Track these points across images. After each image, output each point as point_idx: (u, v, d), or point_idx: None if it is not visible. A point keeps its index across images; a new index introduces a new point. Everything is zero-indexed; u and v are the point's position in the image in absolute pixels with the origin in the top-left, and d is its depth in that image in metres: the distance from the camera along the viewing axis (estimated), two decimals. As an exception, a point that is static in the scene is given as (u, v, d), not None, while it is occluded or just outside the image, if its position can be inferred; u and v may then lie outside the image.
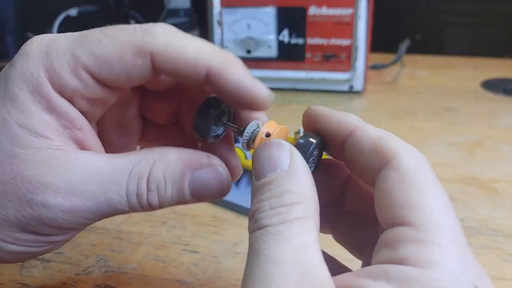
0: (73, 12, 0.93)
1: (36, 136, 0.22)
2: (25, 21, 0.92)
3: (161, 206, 0.24)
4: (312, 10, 0.68)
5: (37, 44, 0.23)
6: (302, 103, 0.68)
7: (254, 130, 0.24)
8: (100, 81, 0.23)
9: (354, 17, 0.66)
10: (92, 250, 0.36)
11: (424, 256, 0.18)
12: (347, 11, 0.66)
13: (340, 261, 0.25)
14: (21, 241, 0.23)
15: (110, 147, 0.29)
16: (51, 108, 0.22)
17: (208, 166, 0.24)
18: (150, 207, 0.24)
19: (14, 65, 0.23)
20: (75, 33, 0.23)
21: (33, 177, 0.22)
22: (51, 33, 0.24)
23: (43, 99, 0.22)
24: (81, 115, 0.24)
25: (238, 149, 0.41)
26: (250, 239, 0.20)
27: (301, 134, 0.23)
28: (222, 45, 0.71)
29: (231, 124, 0.25)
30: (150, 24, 0.23)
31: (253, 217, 0.20)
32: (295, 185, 0.20)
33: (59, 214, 0.22)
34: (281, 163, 0.21)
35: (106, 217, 0.24)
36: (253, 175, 0.21)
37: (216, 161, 0.24)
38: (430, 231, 0.18)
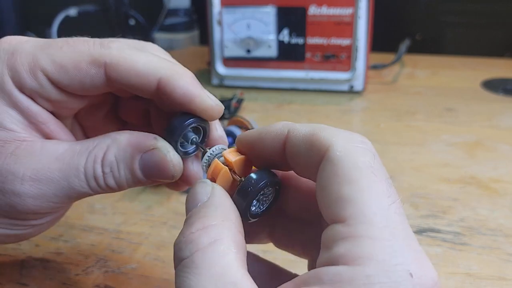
0: (73, 12, 0.93)
1: (2, 130, 0.24)
2: (25, 21, 0.92)
3: (120, 187, 0.25)
4: (312, 10, 0.68)
5: (5, 45, 0.25)
6: (302, 103, 0.68)
7: (216, 154, 0.25)
8: (56, 85, 0.24)
9: (354, 17, 0.66)
10: (92, 250, 0.36)
11: (356, 253, 0.17)
12: (347, 11, 0.66)
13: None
14: (1, 224, 0.25)
15: None
16: (13, 103, 0.24)
17: (155, 149, 0.25)
18: (110, 189, 0.25)
19: None
20: (43, 39, 0.26)
21: (2, 167, 0.24)
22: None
23: (6, 95, 0.24)
24: (44, 110, 0.25)
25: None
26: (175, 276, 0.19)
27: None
28: (222, 45, 0.71)
29: (200, 144, 0.26)
30: (109, 39, 0.25)
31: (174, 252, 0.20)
32: (210, 210, 0.20)
33: (29, 200, 0.24)
34: (201, 197, 0.21)
35: (74, 200, 0.26)
36: None
37: (161, 143, 0.25)
38: (361, 224, 0.17)
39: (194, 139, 0.26)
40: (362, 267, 0.16)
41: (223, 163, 0.24)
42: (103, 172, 0.24)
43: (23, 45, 0.25)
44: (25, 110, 0.24)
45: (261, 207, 0.23)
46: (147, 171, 0.25)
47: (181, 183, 0.27)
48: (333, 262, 0.17)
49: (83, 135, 0.30)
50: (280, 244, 0.26)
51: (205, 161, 0.25)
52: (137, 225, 0.39)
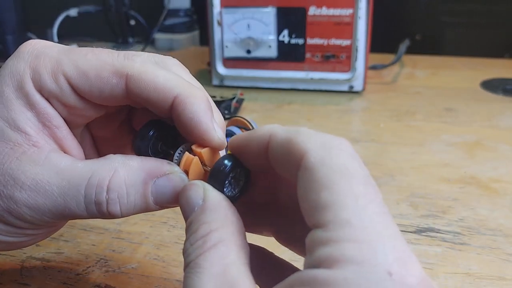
0: (73, 12, 0.93)
1: (16, 131, 0.24)
2: (25, 21, 0.92)
3: (124, 214, 0.24)
4: (312, 10, 0.68)
5: (30, 47, 0.25)
6: (302, 103, 0.68)
7: (183, 152, 0.25)
8: (76, 90, 0.24)
9: (354, 17, 0.66)
10: (92, 250, 0.36)
11: (336, 257, 0.17)
12: (347, 11, 0.66)
13: None
14: None
15: None
16: (30, 104, 0.24)
17: (170, 174, 0.24)
18: (111, 216, 0.24)
19: (7, 64, 0.25)
20: (68, 46, 0.26)
21: (6, 170, 0.23)
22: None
23: (24, 95, 0.24)
24: (58, 114, 0.25)
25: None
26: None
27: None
28: (222, 45, 0.71)
29: (167, 150, 0.26)
30: (133, 52, 0.25)
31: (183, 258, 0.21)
32: (209, 215, 0.21)
33: (24, 209, 0.23)
34: (196, 201, 0.22)
35: (69, 219, 0.25)
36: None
37: (177, 168, 0.25)
38: (340, 228, 0.17)
39: (163, 147, 0.26)
40: (341, 270, 0.17)
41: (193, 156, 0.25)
42: (107, 197, 0.23)
43: (48, 49, 0.25)
44: (41, 112, 0.24)
45: (234, 191, 0.24)
46: (160, 197, 0.24)
47: None
48: (315, 266, 0.17)
49: (92, 145, 0.30)
50: (281, 240, 0.26)
51: (176, 159, 0.25)
52: (137, 225, 0.39)
